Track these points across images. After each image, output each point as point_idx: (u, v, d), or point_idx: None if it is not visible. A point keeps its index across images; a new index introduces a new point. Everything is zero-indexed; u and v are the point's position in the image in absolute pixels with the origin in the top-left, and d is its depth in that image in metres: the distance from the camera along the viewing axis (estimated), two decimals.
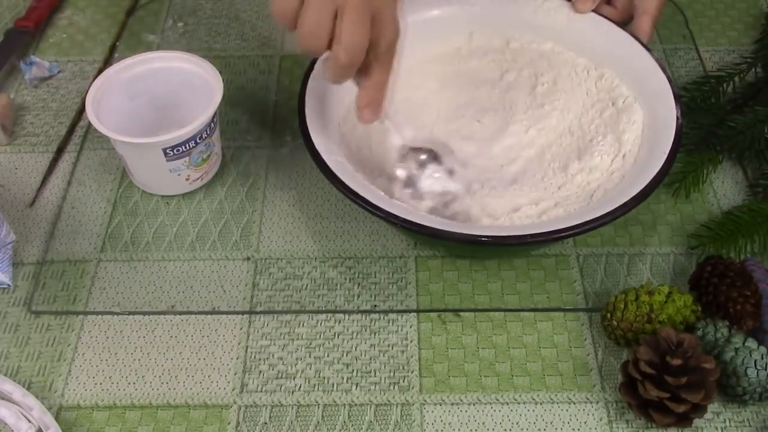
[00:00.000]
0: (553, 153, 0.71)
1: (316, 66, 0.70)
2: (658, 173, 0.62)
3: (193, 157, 0.70)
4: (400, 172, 0.66)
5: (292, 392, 0.61)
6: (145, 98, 0.74)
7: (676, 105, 0.67)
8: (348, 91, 0.66)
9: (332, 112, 0.70)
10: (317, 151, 0.63)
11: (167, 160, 0.69)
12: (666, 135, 0.65)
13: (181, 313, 0.66)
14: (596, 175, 0.68)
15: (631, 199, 0.61)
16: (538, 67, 0.76)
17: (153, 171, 0.71)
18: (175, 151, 0.68)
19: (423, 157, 0.66)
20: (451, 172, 0.67)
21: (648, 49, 0.72)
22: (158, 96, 0.74)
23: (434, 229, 0.59)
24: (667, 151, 0.64)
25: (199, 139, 0.69)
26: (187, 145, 0.69)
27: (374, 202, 0.61)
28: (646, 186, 0.61)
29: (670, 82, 0.69)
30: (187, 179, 0.72)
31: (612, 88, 0.73)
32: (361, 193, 0.61)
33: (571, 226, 0.59)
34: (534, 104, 0.73)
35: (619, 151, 0.68)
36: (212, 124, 0.70)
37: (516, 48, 0.77)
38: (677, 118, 0.66)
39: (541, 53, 0.77)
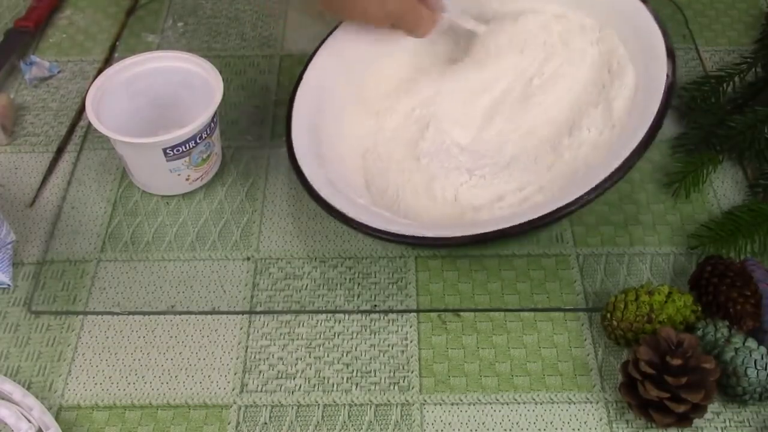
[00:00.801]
0: (549, 131, 0.69)
1: (305, 76, 0.71)
2: (640, 143, 0.59)
3: (193, 157, 0.70)
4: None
5: (292, 392, 0.61)
6: (145, 98, 0.74)
7: (667, 61, 0.63)
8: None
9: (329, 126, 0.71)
10: (305, 177, 0.65)
11: (167, 160, 0.69)
12: (654, 97, 0.61)
13: (181, 313, 0.66)
14: (584, 150, 0.66)
15: (607, 177, 0.58)
16: (549, 48, 0.73)
17: (153, 171, 0.71)
18: (175, 151, 0.68)
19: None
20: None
21: (644, 1, 0.68)
22: (158, 96, 0.74)
23: (401, 235, 0.61)
24: (654, 113, 0.60)
25: (199, 139, 0.69)
26: (187, 145, 0.69)
27: (354, 217, 0.62)
28: (624, 160, 0.58)
29: (664, 36, 0.65)
30: (187, 179, 0.72)
31: (612, 50, 0.70)
32: (339, 208, 0.63)
33: (540, 217, 0.59)
34: (539, 85, 0.72)
35: (609, 121, 0.66)
36: (212, 124, 0.70)
37: (527, 27, 0.74)
38: (667, 76, 0.62)
39: (551, 30, 0.73)
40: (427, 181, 0.67)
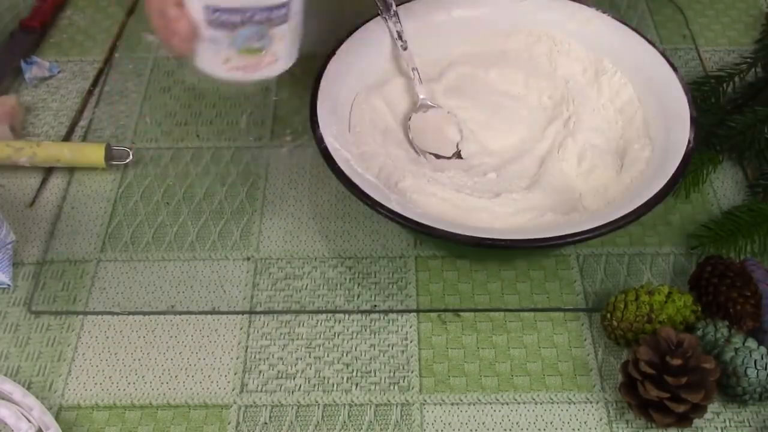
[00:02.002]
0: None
1: (328, 66, 0.70)
2: (652, 197, 0.60)
3: (236, 37, 0.55)
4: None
5: (292, 392, 0.61)
6: None
7: (690, 128, 0.65)
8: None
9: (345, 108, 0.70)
10: (331, 156, 0.63)
11: (208, 25, 0.55)
12: (674, 158, 0.63)
13: (181, 313, 0.66)
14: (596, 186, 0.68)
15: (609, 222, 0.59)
16: (567, 95, 0.74)
17: (197, 29, 0.56)
18: (217, 14, 0.54)
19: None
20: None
21: (674, 69, 0.70)
22: None
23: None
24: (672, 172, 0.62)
25: (248, 19, 0.55)
26: (233, 17, 0.54)
27: (393, 208, 0.60)
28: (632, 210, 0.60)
29: (689, 103, 0.67)
30: (225, 61, 0.57)
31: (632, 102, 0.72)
32: (382, 202, 0.60)
33: (572, 233, 0.59)
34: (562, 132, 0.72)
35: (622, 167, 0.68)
36: (283, 10, 0.55)
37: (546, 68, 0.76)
38: (689, 141, 0.64)
39: (574, 76, 0.75)
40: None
